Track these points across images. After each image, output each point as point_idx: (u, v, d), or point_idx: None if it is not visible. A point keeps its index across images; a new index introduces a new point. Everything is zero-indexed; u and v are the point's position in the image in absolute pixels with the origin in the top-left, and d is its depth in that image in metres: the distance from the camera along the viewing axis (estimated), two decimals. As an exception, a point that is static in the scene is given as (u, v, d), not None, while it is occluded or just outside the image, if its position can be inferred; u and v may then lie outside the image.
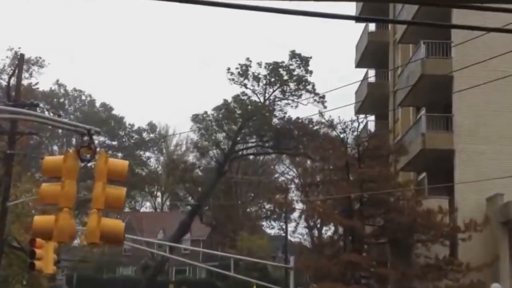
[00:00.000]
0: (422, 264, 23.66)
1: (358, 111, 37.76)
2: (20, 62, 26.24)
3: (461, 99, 26.32)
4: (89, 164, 11.62)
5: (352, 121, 27.51)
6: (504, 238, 23.70)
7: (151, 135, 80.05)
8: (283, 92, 49.25)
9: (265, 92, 49.89)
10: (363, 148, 26.19)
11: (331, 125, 27.30)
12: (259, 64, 48.54)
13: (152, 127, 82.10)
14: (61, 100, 74.15)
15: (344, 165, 25.18)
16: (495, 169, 25.05)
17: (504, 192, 24.14)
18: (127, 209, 70.30)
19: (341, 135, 25.80)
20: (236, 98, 51.30)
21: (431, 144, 26.75)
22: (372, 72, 38.40)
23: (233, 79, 48.91)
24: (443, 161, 26.81)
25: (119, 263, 66.86)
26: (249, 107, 49.75)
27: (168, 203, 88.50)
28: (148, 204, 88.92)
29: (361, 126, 30.12)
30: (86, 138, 10.08)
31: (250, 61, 48.78)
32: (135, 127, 78.48)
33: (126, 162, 10.69)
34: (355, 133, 28.04)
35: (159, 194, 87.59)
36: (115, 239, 10.07)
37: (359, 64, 39.38)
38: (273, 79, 48.76)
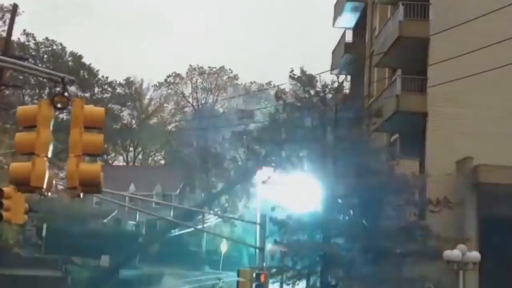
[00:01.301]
0: (391, 227, 23.93)
1: (333, 71, 37.67)
2: (13, 14, 25.44)
3: (436, 61, 26.42)
4: (61, 116, 11.46)
5: (333, 82, 27.48)
6: (472, 201, 24.04)
7: (127, 91, 79.43)
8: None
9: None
10: (340, 109, 26.19)
11: (310, 81, 27.17)
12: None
13: (129, 83, 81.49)
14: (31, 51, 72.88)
15: (321, 124, 25.23)
16: (467, 133, 25.31)
17: (475, 156, 24.40)
18: (99, 162, 70.04)
19: (320, 94, 25.73)
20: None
21: (405, 106, 26.86)
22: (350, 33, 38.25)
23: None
24: (416, 123, 26.97)
25: (89, 216, 66.66)
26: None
27: (140, 157, 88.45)
28: (120, 158, 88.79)
29: (338, 86, 30.03)
30: (59, 88, 9.96)
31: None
32: (108, 79, 77.56)
33: (102, 109, 10.60)
34: (332, 93, 27.99)
35: (131, 149, 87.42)
36: (94, 183, 10.09)
37: (336, 24, 39.16)
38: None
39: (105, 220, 67.39)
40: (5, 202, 17.58)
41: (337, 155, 24.91)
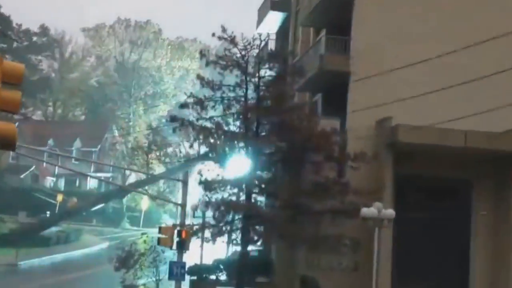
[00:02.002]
0: (311, 183, 24.27)
1: (259, 29, 37.53)
2: None
3: (360, 23, 26.69)
4: None
5: (254, 39, 27.18)
6: (389, 159, 24.64)
7: (43, 39, 76.73)
8: None
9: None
10: (263, 67, 26.09)
11: (232, 40, 26.89)
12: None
13: (44, 30, 78.59)
14: None
15: (243, 82, 25.09)
16: (387, 95, 25.74)
17: (394, 116, 24.91)
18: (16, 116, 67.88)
19: (243, 53, 25.50)
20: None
21: (328, 65, 27.05)
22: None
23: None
24: (338, 83, 27.25)
25: (5, 171, 64.94)
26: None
27: (60, 111, 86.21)
28: (39, 112, 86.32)
29: (262, 44, 29.89)
30: None
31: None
32: (18, 26, 74.32)
33: (22, 65, 10.23)
34: (256, 51, 27.81)
35: (51, 103, 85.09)
36: (8, 141, 9.73)
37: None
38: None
39: (22, 176, 65.84)
40: None
41: (259, 113, 24.92)
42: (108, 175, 65.60)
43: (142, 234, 31.70)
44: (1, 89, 9.84)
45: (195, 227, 27.06)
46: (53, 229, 51.72)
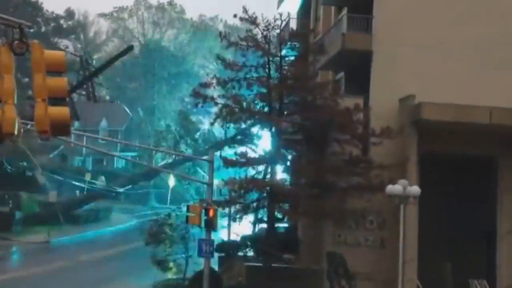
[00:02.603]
0: (336, 161, 24.67)
1: (280, 8, 37.75)
2: None
3: (381, 0, 26.86)
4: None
5: (275, 19, 27.44)
6: (413, 137, 24.89)
7: (69, 23, 77.49)
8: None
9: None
10: (284, 47, 26.39)
11: (253, 21, 27.19)
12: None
13: (70, 13, 79.36)
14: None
15: (265, 62, 25.41)
16: (411, 72, 25.99)
17: (418, 94, 25.13)
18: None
19: (264, 33, 25.80)
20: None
21: (350, 44, 27.25)
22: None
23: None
24: (361, 62, 27.48)
25: (35, 151, 66.02)
26: None
27: (84, 92, 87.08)
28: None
29: (283, 24, 30.13)
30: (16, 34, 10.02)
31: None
32: (50, 13, 75.62)
33: (62, 53, 10.67)
34: (278, 31, 28.08)
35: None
36: (63, 125, 10.25)
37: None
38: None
39: (51, 155, 66.97)
40: None
41: (282, 93, 25.27)
42: (134, 154, 66.33)
43: (170, 212, 32.36)
44: (47, 78, 10.30)
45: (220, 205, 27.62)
46: (83, 207, 52.83)
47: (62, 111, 10.45)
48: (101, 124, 70.47)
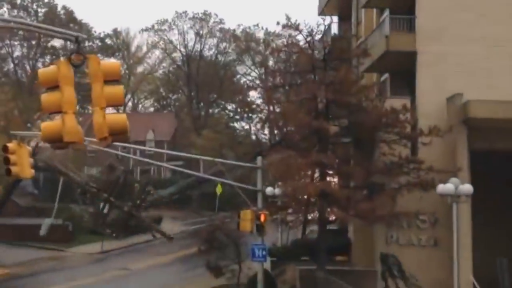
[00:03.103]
0: (385, 162, 24.79)
1: (321, 13, 37.97)
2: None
3: (424, 0, 26.88)
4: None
5: (318, 25, 27.76)
6: (463, 135, 24.83)
7: (115, 40, 79.19)
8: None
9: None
10: (328, 51, 26.63)
11: (296, 28, 27.55)
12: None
13: (116, 33, 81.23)
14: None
15: (310, 68, 25.69)
16: (456, 70, 25.96)
17: (464, 92, 25.08)
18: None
19: (307, 39, 26.12)
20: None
21: (394, 46, 27.33)
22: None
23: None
24: (405, 62, 27.54)
25: (84, 164, 67.44)
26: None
27: (130, 104, 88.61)
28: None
29: (325, 28, 30.41)
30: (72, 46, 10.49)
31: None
32: (97, 33, 77.73)
33: (118, 63, 11.11)
34: (320, 36, 28.36)
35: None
36: (122, 131, 10.60)
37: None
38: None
39: (100, 168, 68.21)
40: (11, 157, 18.21)
41: (328, 97, 25.48)
42: (180, 163, 66.98)
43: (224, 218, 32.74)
44: (104, 87, 10.72)
45: (272, 210, 27.94)
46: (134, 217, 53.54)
47: (120, 118, 10.84)
48: (147, 135, 71.47)
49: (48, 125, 10.86)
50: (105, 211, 47.64)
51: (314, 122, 24.54)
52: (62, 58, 10.89)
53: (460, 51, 26.33)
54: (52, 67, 10.60)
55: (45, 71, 10.76)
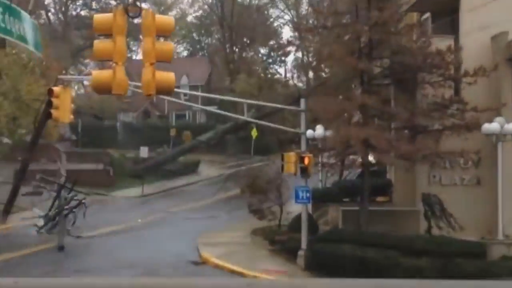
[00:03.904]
0: (429, 103, 24.68)
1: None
2: None
3: None
4: None
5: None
6: (508, 74, 24.57)
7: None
8: None
9: None
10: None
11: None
12: None
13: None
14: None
15: (353, 8, 25.41)
16: (502, 8, 25.46)
17: (509, 30, 24.69)
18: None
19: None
20: None
21: (437, -16, 26.88)
22: None
23: None
24: (447, 1, 27.08)
25: (120, 110, 68.18)
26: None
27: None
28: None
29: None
30: None
31: None
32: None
33: (172, 19, 11.19)
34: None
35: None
36: (168, 89, 10.81)
37: None
38: None
39: (135, 114, 68.98)
40: (54, 100, 18.52)
41: (371, 37, 25.25)
42: (215, 108, 67.36)
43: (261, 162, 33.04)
44: (156, 42, 10.83)
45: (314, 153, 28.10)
46: (171, 162, 54.39)
47: (168, 77, 10.98)
48: (181, 80, 71.73)
49: (99, 74, 11.06)
50: (145, 155, 48.42)
51: (360, 63, 24.40)
52: (119, 7, 10.97)
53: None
54: (108, 14, 10.73)
55: (100, 17, 10.91)
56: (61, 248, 26.81)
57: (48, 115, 18.92)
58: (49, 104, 18.73)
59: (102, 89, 11.03)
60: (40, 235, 29.07)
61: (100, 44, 10.92)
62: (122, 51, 10.73)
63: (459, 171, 25.64)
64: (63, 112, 18.70)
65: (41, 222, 29.53)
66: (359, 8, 25.58)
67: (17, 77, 35.00)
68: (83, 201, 30.31)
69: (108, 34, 10.82)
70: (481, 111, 23.19)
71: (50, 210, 29.77)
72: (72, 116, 19.77)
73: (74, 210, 29.56)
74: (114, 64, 10.76)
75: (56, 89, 18.85)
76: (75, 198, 30.16)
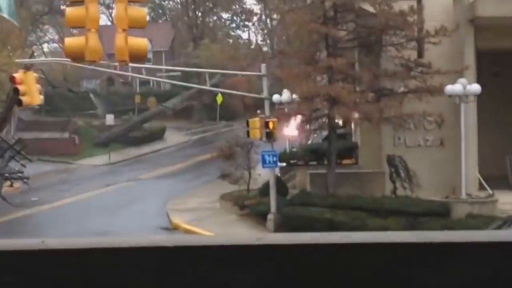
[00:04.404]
0: (392, 65, 24.94)
1: None
2: None
3: None
4: None
5: None
6: (470, 35, 24.83)
7: None
8: None
9: None
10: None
11: None
12: None
13: None
14: None
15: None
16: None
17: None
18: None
19: None
20: None
21: None
22: None
23: None
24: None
25: (83, 77, 67.29)
26: None
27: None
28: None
29: None
30: None
31: None
32: None
33: None
34: None
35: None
36: (141, 55, 10.77)
37: None
38: None
39: (98, 81, 68.19)
40: (20, 87, 18.19)
41: (335, 2, 25.30)
42: (179, 74, 66.94)
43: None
44: (128, 8, 10.77)
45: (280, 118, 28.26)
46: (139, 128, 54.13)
47: (141, 43, 10.99)
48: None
49: (72, 41, 11.04)
50: (111, 123, 48.11)
51: (323, 27, 24.48)
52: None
53: None
54: None
55: None
56: None
57: (18, 103, 18.56)
58: (16, 91, 18.38)
59: (75, 55, 10.99)
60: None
61: (73, 11, 10.87)
62: (94, 18, 10.72)
63: (423, 132, 26.08)
64: (32, 97, 18.44)
65: None
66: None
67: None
68: (20, 173, 29.22)
69: (80, 1, 10.76)
70: (444, 73, 23.50)
71: None
72: (42, 97, 19.49)
73: (6, 175, 28.69)
74: (87, 31, 10.71)
75: (18, 75, 18.47)
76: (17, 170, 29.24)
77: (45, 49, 79.66)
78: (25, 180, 29.19)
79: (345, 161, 31.18)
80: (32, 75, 18.58)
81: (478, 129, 24.40)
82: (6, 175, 28.40)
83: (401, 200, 23.37)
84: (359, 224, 21.66)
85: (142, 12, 10.91)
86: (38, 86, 19.00)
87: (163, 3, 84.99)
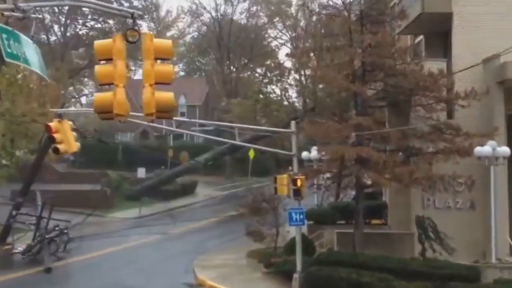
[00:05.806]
0: (422, 126, 24.85)
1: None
2: None
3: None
4: None
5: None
6: (499, 98, 24.75)
7: (144, 3, 78.98)
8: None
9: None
10: (364, 14, 26.51)
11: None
12: None
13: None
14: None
15: (346, 30, 25.62)
16: (493, 32, 25.72)
17: (501, 53, 24.88)
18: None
19: (345, 1, 26.01)
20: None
21: (430, 7, 27.13)
22: None
23: None
24: (440, 24, 27.37)
25: (118, 130, 68.38)
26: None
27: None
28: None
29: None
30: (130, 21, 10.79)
31: None
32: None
33: (170, 42, 11.41)
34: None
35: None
36: (168, 109, 10.99)
37: None
38: None
39: (133, 134, 69.16)
40: (56, 136, 18.55)
41: (365, 60, 25.47)
42: (212, 128, 67.50)
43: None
44: (155, 64, 11.05)
45: (309, 175, 28.20)
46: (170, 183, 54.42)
47: (168, 96, 11.20)
48: (179, 100, 72.02)
49: (101, 96, 11.31)
50: (142, 176, 48.52)
51: (353, 85, 24.60)
52: (118, 33, 11.23)
53: (496, 11, 26.07)
54: (108, 40, 11.01)
55: (101, 43, 11.21)
56: (48, 270, 26.85)
57: (55, 151, 18.83)
58: (52, 140, 18.68)
59: (103, 110, 11.25)
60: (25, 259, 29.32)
61: (101, 68, 11.23)
62: (122, 74, 11.02)
63: (453, 194, 25.74)
64: (68, 145, 18.66)
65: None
66: (353, 31, 25.83)
67: (14, 98, 35.08)
68: (64, 230, 30.36)
69: (108, 59, 11.11)
70: (473, 136, 23.34)
71: (33, 240, 30.01)
72: (78, 144, 19.78)
73: (55, 239, 29.73)
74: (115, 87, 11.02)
75: (52, 124, 18.83)
76: (57, 228, 30.27)
77: (83, 102, 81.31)
78: (68, 236, 30.15)
79: (374, 221, 30.87)
80: (67, 123, 18.92)
81: (508, 192, 24.05)
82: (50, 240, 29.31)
83: (430, 263, 22.93)
84: (386, 286, 21.30)
85: (168, 68, 11.16)
86: (74, 133, 19.33)
87: (197, 58, 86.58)
